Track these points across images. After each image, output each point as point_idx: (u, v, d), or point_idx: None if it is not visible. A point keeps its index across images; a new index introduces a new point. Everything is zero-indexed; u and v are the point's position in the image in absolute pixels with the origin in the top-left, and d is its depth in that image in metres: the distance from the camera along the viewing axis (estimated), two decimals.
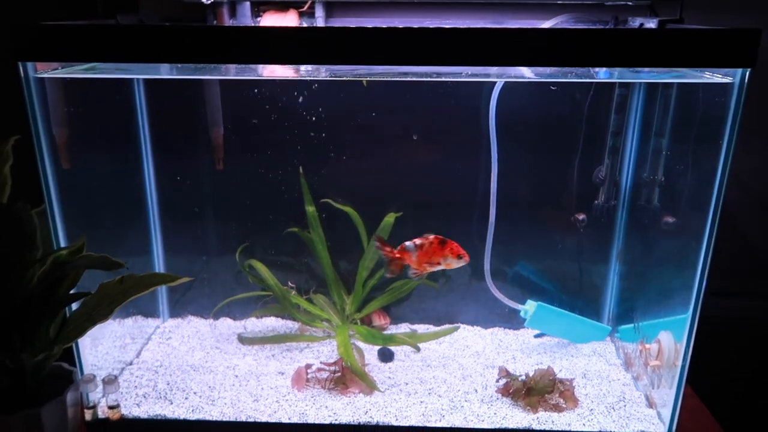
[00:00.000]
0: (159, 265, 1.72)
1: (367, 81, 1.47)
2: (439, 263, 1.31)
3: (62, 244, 1.24)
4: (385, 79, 1.48)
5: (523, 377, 1.42)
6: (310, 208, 1.63)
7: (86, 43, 1.07)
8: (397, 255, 1.32)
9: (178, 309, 1.79)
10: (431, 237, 1.31)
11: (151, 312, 1.72)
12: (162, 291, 1.77)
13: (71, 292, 1.21)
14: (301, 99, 1.55)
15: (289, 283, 1.67)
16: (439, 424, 1.33)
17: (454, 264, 1.32)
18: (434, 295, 1.75)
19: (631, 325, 1.56)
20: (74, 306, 1.26)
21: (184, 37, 1.07)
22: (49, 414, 1.18)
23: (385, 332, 1.71)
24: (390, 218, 1.64)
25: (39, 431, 1.17)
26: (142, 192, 1.63)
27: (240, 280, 1.73)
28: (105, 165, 1.49)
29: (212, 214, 1.69)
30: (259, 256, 1.69)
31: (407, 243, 1.32)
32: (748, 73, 1.05)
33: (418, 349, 1.62)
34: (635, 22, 1.40)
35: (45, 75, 1.17)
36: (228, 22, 1.46)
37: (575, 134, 1.55)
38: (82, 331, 1.17)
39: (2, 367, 1.14)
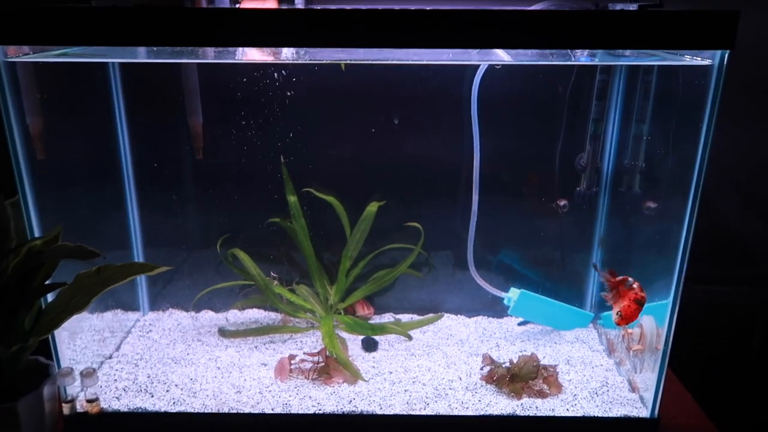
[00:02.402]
0: (139, 258, 1.69)
1: (345, 65, 1.45)
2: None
3: (37, 236, 1.21)
4: (365, 62, 1.46)
5: (507, 364, 1.42)
6: (292, 198, 1.62)
7: (59, 26, 1.04)
8: (617, 280, 1.31)
9: (158, 302, 1.76)
10: (643, 294, 1.31)
11: (131, 305, 1.70)
12: (142, 284, 1.75)
13: (47, 282, 1.18)
14: (280, 85, 1.53)
15: (272, 274, 1.66)
16: (423, 412, 1.32)
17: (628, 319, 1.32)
18: (418, 285, 1.74)
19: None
20: (50, 298, 1.23)
21: (160, 19, 1.04)
22: (26, 408, 1.16)
23: (371, 322, 1.70)
24: (373, 207, 1.63)
25: (15, 425, 1.15)
26: (120, 182, 1.60)
27: (221, 272, 1.71)
28: (81, 154, 1.46)
29: (192, 204, 1.67)
30: (241, 246, 1.66)
31: (631, 278, 1.32)
32: (727, 55, 1.05)
33: (410, 338, 1.61)
34: (615, 8, 1.40)
35: (16, 59, 1.14)
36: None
37: (557, 121, 1.56)
38: (58, 323, 1.15)
39: None
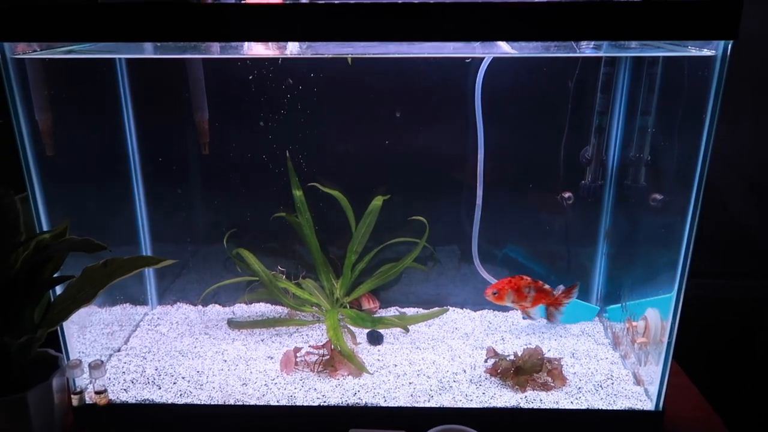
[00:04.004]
0: (147, 253, 1.71)
1: (352, 59, 1.46)
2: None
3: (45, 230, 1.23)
4: (369, 56, 1.47)
5: (512, 357, 1.42)
6: (298, 192, 1.63)
7: (67, 23, 1.06)
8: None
9: (167, 296, 1.78)
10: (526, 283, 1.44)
11: (139, 299, 1.72)
12: (151, 278, 1.77)
13: (55, 275, 1.20)
14: (287, 80, 1.54)
15: (279, 268, 1.67)
16: (427, 405, 1.33)
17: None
18: (423, 279, 1.75)
19: (619, 305, 1.56)
20: (59, 291, 1.25)
21: (167, 15, 1.05)
22: (35, 399, 1.18)
23: (376, 315, 1.70)
24: (378, 201, 1.64)
25: (25, 416, 1.17)
26: (128, 178, 1.62)
27: (228, 267, 1.72)
28: (89, 150, 1.48)
29: (199, 199, 1.68)
30: (248, 241, 1.68)
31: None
32: (730, 46, 1.05)
33: (407, 330, 1.62)
34: None
35: (23, 56, 1.15)
36: None
37: (561, 114, 1.55)
38: (66, 315, 1.17)
39: None
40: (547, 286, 1.38)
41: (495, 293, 1.40)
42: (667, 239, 1.26)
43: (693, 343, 1.39)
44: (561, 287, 1.42)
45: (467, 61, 1.48)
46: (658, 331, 1.31)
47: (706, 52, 1.11)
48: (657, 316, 1.33)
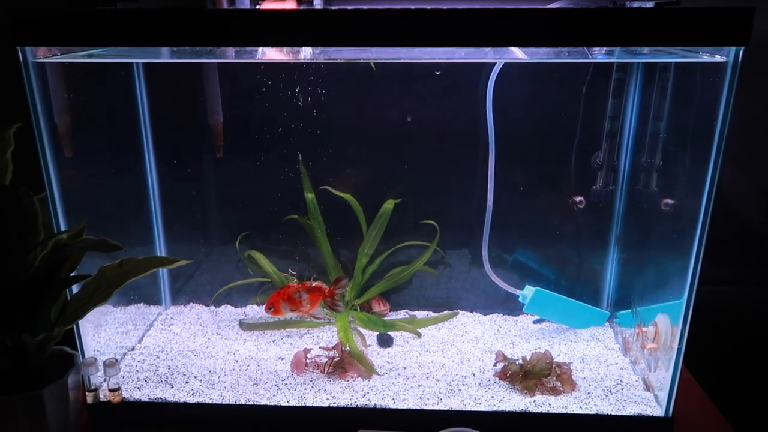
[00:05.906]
0: (161, 254, 1.73)
1: (375, 64, 1.48)
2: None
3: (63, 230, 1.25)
4: (383, 61, 1.48)
5: (521, 361, 1.42)
6: (310, 195, 1.64)
7: (86, 28, 1.08)
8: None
9: (180, 296, 1.81)
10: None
11: (153, 299, 1.74)
12: (164, 279, 1.79)
13: (72, 274, 1.23)
14: (300, 85, 1.56)
15: (290, 271, 1.69)
16: (436, 407, 1.34)
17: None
18: (434, 282, 1.76)
19: (630, 310, 1.56)
20: (75, 290, 1.28)
21: (183, 21, 1.07)
22: (51, 396, 1.20)
23: (386, 318, 1.71)
24: (389, 205, 1.65)
25: (41, 412, 1.19)
26: (143, 181, 1.64)
27: (241, 268, 1.74)
28: (106, 153, 1.51)
29: (213, 202, 1.71)
30: (260, 243, 1.70)
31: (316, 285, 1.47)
32: (741, 52, 1.05)
33: (419, 335, 1.62)
34: (633, 5, 1.39)
35: (44, 60, 1.18)
36: None
37: (573, 118, 1.55)
38: (82, 313, 1.19)
39: (4, 348, 1.16)
40: (315, 283, 1.41)
41: (271, 308, 1.43)
42: (678, 245, 1.26)
43: (703, 350, 1.39)
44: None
45: (437, 74, 1.50)
46: (668, 337, 1.31)
47: (717, 59, 1.11)
48: (667, 322, 1.32)
